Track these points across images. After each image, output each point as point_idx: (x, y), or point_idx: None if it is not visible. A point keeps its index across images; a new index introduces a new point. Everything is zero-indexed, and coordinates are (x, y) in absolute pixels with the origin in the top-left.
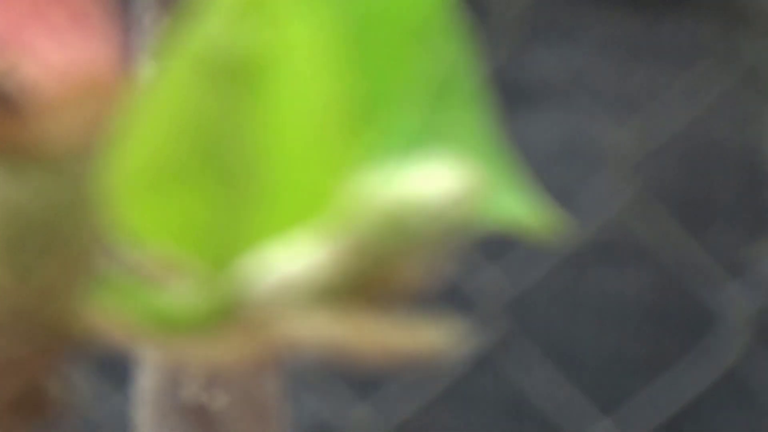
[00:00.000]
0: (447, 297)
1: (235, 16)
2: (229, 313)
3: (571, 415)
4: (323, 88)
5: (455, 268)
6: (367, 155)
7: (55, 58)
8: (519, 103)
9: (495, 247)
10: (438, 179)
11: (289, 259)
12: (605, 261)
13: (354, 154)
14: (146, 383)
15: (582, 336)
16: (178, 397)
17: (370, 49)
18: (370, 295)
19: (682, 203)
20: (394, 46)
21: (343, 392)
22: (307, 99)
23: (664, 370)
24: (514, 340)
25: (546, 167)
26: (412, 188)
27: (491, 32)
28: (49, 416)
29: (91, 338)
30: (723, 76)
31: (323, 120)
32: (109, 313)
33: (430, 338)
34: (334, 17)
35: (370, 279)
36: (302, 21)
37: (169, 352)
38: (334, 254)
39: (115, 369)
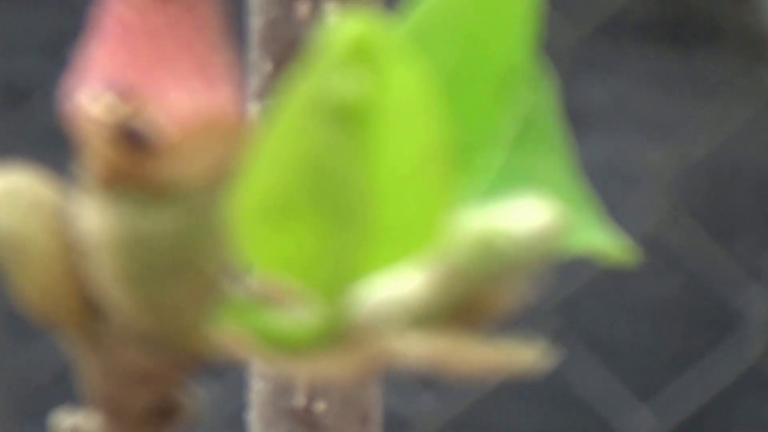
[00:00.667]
0: None
1: (344, 63)
2: (338, 334)
3: (612, 404)
4: (427, 131)
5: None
6: (461, 193)
7: (183, 101)
8: (567, 127)
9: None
10: (527, 214)
11: (393, 285)
12: (643, 267)
13: (452, 192)
14: (257, 388)
15: (622, 333)
16: (286, 402)
17: (461, 93)
18: (464, 318)
19: (710, 216)
20: (481, 91)
21: (410, 383)
22: (412, 140)
23: (694, 364)
24: (563, 337)
25: (592, 185)
26: (503, 222)
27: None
28: (176, 425)
29: (215, 354)
30: (747, 104)
31: (427, 160)
32: (231, 332)
33: (517, 356)
34: (430, 66)
35: (464, 303)
36: (406, 68)
37: (282, 368)
38: (434, 281)
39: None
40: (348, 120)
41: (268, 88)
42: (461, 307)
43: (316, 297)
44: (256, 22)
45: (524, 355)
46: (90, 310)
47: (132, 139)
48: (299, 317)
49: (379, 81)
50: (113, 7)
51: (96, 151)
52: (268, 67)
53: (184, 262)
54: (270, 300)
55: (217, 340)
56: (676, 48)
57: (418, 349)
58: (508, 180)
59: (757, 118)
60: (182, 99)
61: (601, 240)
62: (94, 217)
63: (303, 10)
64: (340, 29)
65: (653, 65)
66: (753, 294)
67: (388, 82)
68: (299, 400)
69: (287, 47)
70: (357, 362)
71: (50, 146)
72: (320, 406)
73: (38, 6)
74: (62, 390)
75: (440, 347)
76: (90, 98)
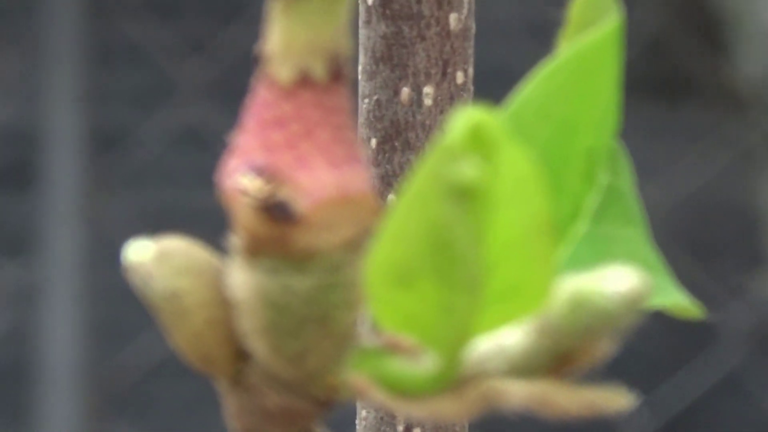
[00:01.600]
0: None
1: (462, 148)
2: (451, 381)
3: None
4: (534, 206)
5: None
6: (558, 261)
7: (313, 181)
8: None
9: None
10: (617, 279)
11: (499, 339)
12: None
13: (555, 260)
14: (363, 416)
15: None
16: (389, 428)
17: (553, 172)
18: (560, 368)
19: (694, 245)
20: (570, 170)
21: None
22: (521, 215)
23: (677, 371)
24: None
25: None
26: (596, 285)
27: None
28: None
29: (346, 396)
30: (724, 150)
31: (534, 232)
32: (360, 377)
33: (601, 401)
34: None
35: (560, 354)
36: (514, 152)
37: (403, 410)
38: (534, 335)
39: None
40: (465, 198)
41: (372, 163)
42: (557, 357)
43: (434, 350)
44: (365, 103)
45: (607, 400)
46: (238, 355)
47: (273, 213)
48: (419, 366)
49: (491, 163)
50: (254, 103)
51: (244, 221)
52: (372, 143)
53: (316, 318)
54: (395, 350)
55: (348, 384)
56: (661, 101)
57: (520, 393)
58: (592, 247)
59: (733, 162)
60: (312, 179)
61: (674, 300)
62: (241, 277)
63: (405, 93)
64: (459, 119)
65: (641, 114)
66: (730, 311)
67: (499, 164)
68: (399, 428)
69: (390, 126)
70: (467, 404)
71: (137, 186)
72: (418, 431)
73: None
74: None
75: (538, 392)
76: (239, 179)
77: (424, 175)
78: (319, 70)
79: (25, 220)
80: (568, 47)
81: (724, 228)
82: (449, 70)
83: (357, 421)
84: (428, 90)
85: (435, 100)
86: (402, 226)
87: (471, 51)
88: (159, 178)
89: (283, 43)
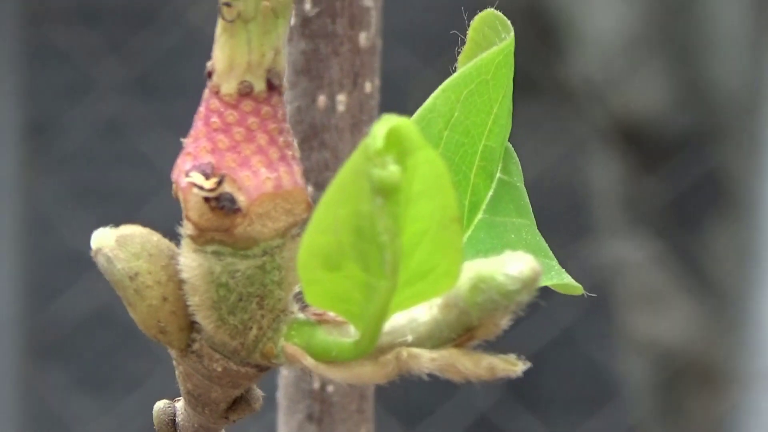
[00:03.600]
0: None
1: (381, 149)
2: (369, 350)
3: None
4: (446, 200)
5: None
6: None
7: (249, 179)
8: None
9: None
10: (515, 263)
11: (413, 315)
12: None
13: (461, 248)
14: (284, 374)
15: None
16: (306, 384)
17: (454, 169)
18: (464, 340)
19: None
20: (468, 167)
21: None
22: (434, 207)
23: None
24: None
25: None
26: (497, 269)
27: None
28: (241, 413)
29: (279, 362)
30: (561, 139)
31: (447, 222)
32: (291, 346)
33: (498, 365)
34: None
35: (465, 329)
36: (427, 152)
37: (327, 374)
38: (442, 312)
39: None
40: (385, 193)
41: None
42: (462, 330)
43: (356, 324)
44: (288, 108)
45: (505, 364)
46: (188, 327)
47: (219, 205)
48: (343, 337)
49: (408, 163)
50: (203, 112)
51: (194, 212)
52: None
53: (255, 295)
54: (323, 323)
55: (283, 351)
56: None
57: (429, 359)
58: (489, 233)
59: (569, 150)
60: (252, 177)
61: (559, 279)
62: (191, 259)
63: (321, 100)
64: (379, 124)
65: None
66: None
67: (415, 164)
68: (315, 383)
69: (308, 128)
70: (384, 369)
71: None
72: (330, 388)
73: None
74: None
75: (445, 357)
76: (191, 177)
77: (349, 172)
78: (258, 84)
79: None
80: (468, 63)
81: (560, 205)
82: (359, 81)
83: (278, 379)
84: (341, 98)
85: (347, 106)
86: (329, 217)
87: (377, 65)
88: (81, 161)
89: (227, 61)
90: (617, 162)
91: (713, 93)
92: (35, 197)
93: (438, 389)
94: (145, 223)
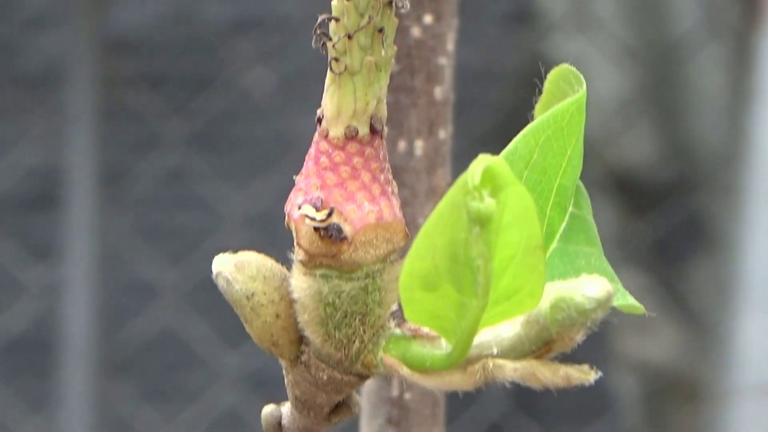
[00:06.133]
0: None
1: (478, 184)
2: (459, 362)
3: None
4: (532, 229)
5: None
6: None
7: (365, 208)
8: None
9: None
10: (591, 286)
11: (498, 331)
12: None
13: (544, 272)
14: (367, 383)
15: None
16: (386, 392)
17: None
18: (543, 352)
19: None
20: (545, 202)
21: None
22: (522, 236)
23: None
24: None
25: None
26: (575, 291)
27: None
28: (343, 416)
29: (378, 371)
30: None
31: (532, 249)
32: (389, 357)
33: (574, 374)
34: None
35: (545, 343)
36: (517, 187)
37: (421, 382)
38: (526, 329)
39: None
40: (479, 223)
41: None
42: (542, 344)
43: (448, 339)
44: None
45: (577, 373)
46: (297, 340)
47: (328, 234)
48: (436, 350)
49: (500, 197)
50: (314, 153)
51: (305, 240)
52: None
53: (358, 313)
54: (418, 337)
55: (382, 362)
56: None
57: (512, 369)
58: (562, 260)
59: None
60: (357, 210)
61: (624, 301)
62: (301, 281)
63: (401, 146)
64: (476, 162)
65: None
66: None
67: (506, 198)
68: (395, 391)
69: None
70: (472, 378)
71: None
72: (408, 395)
73: None
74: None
75: (527, 368)
76: (303, 210)
77: (447, 205)
78: (362, 129)
79: (52, 234)
80: (545, 112)
81: None
82: (434, 129)
83: (362, 387)
84: (418, 143)
85: (423, 151)
86: (428, 244)
87: (450, 115)
88: (149, 205)
89: (335, 109)
90: (611, 207)
91: (695, 148)
92: (110, 235)
93: (455, 402)
94: (201, 259)
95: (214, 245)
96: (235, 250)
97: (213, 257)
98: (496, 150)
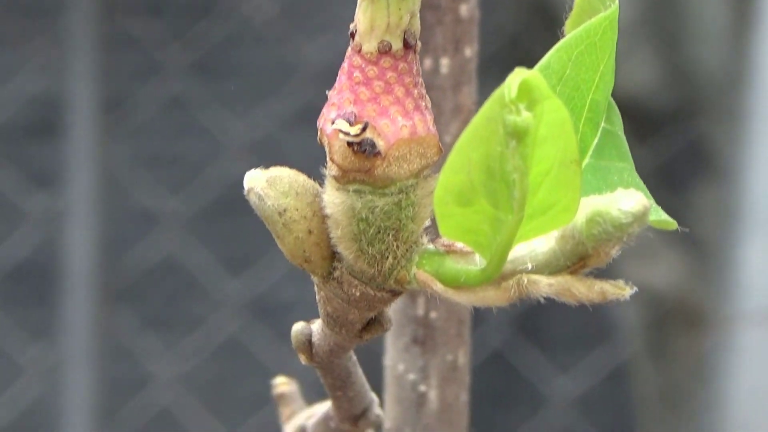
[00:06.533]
0: None
1: (514, 98)
2: (494, 277)
3: None
4: (567, 144)
5: None
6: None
7: (398, 122)
8: None
9: None
10: (629, 200)
11: (533, 246)
12: None
13: (579, 186)
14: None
15: None
16: (412, 311)
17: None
18: (578, 268)
19: None
20: (577, 117)
21: None
22: (557, 150)
23: None
24: None
25: None
26: (612, 205)
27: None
28: (374, 333)
29: (411, 287)
30: None
31: (567, 164)
32: (423, 273)
33: (608, 289)
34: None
35: (579, 258)
36: (552, 101)
37: (454, 298)
38: (561, 244)
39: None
40: (516, 136)
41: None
42: (576, 259)
43: (482, 254)
44: None
45: (612, 289)
46: (330, 256)
47: (361, 149)
48: (470, 265)
49: (536, 111)
50: (347, 68)
51: (339, 155)
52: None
53: (391, 228)
54: (452, 253)
55: (415, 278)
56: None
57: (547, 284)
58: (595, 175)
59: None
60: (390, 124)
61: (658, 216)
62: (334, 197)
63: (427, 63)
64: (512, 76)
65: None
66: None
67: (542, 112)
68: (420, 310)
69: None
70: (506, 294)
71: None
72: (433, 314)
73: None
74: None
75: (561, 283)
76: (336, 125)
77: (483, 119)
78: (395, 43)
79: (54, 161)
80: (577, 27)
81: None
82: (460, 46)
83: None
84: (444, 61)
85: (449, 69)
86: (463, 158)
87: (476, 33)
88: (149, 132)
89: (369, 23)
90: None
91: (697, 73)
92: (111, 163)
93: None
94: (202, 184)
95: (215, 172)
96: (237, 178)
97: (214, 185)
98: (500, 75)
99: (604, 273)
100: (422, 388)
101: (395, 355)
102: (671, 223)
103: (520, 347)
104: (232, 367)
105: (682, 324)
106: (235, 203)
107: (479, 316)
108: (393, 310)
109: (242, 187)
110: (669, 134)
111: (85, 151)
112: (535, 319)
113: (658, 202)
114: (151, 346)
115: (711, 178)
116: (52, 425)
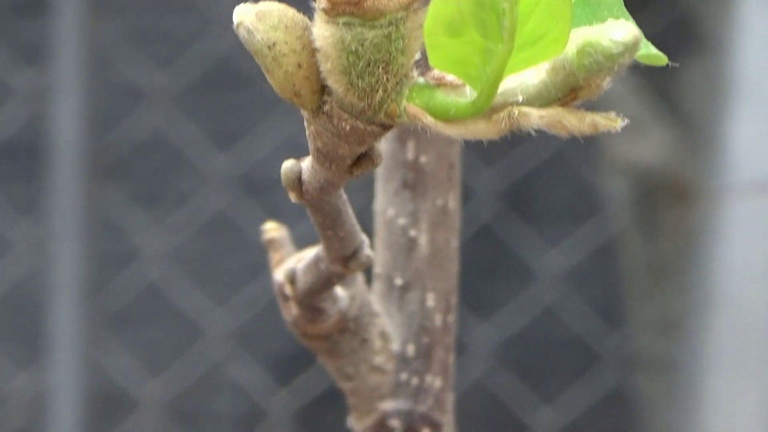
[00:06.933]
0: None
1: None
2: (484, 109)
3: None
4: None
5: None
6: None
7: None
8: None
9: None
10: (620, 30)
11: (524, 77)
12: None
13: (570, 16)
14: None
15: None
16: (401, 156)
17: None
18: (569, 99)
19: None
20: None
21: None
22: None
23: None
24: None
25: None
26: (603, 35)
27: None
28: (364, 168)
29: (401, 121)
30: None
31: None
32: (413, 106)
33: (599, 121)
34: None
35: (571, 89)
36: None
37: (445, 131)
38: (552, 75)
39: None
40: None
41: None
42: (567, 90)
43: (473, 86)
44: None
45: (606, 121)
46: (320, 90)
47: None
48: (461, 97)
49: None
50: None
51: None
52: None
53: (381, 60)
54: (442, 85)
55: (405, 111)
56: None
57: (538, 116)
58: (584, 9)
59: None
60: None
61: (646, 50)
62: (324, 30)
63: None
64: None
65: None
66: None
67: None
68: (410, 154)
69: None
70: (496, 126)
71: None
72: (423, 158)
73: None
74: None
75: (552, 114)
76: None
77: None
78: None
79: (41, 38)
80: None
81: None
82: None
83: None
84: None
85: None
86: None
87: None
88: (137, 8)
89: None
90: None
91: None
92: (99, 39)
93: None
94: (190, 59)
95: (203, 48)
96: (225, 53)
97: (203, 60)
98: None
99: (592, 143)
100: (412, 233)
101: (385, 200)
102: (661, 58)
103: (509, 221)
104: (220, 241)
105: (670, 198)
106: (224, 79)
107: (468, 190)
108: (384, 156)
109: (231, 63)
110: (657, 8)
111: (72, 26)
112: (523, 194)
113: (645, 77)
114: (139, 221)
115: (699, 52)
116: (41, 299)
